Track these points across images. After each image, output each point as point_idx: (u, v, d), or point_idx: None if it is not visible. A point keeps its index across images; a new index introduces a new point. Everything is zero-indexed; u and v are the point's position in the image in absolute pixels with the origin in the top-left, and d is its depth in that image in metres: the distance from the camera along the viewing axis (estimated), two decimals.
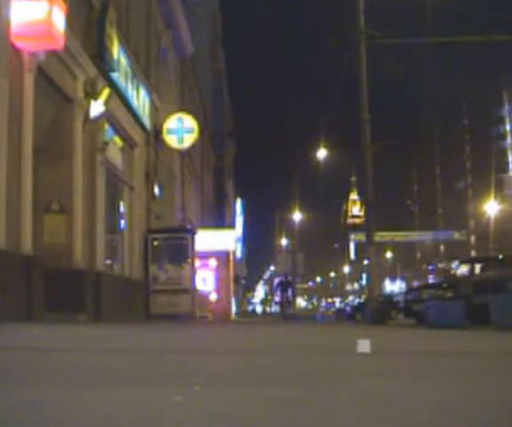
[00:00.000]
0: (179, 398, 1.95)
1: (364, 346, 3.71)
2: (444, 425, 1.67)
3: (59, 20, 7.93)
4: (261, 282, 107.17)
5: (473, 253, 65.03)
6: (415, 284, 61.78)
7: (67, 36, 8.42)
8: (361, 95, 14.56)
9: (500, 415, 1.79)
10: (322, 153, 28.67)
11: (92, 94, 10.32)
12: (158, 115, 16.55)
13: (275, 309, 50.15)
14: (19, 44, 7.75)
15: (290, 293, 22.86)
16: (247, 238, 65.06)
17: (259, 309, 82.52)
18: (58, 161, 9.76)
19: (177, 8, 18.14)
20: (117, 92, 12.03)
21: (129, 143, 14.17)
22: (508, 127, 76.05)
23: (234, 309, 34.04)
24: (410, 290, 21.47)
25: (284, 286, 22.84)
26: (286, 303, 22.94)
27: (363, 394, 2.12)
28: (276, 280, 27.03)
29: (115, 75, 11.73)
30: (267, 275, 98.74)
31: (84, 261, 10.03)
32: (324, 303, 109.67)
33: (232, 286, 32.01)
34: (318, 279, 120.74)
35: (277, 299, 26.86)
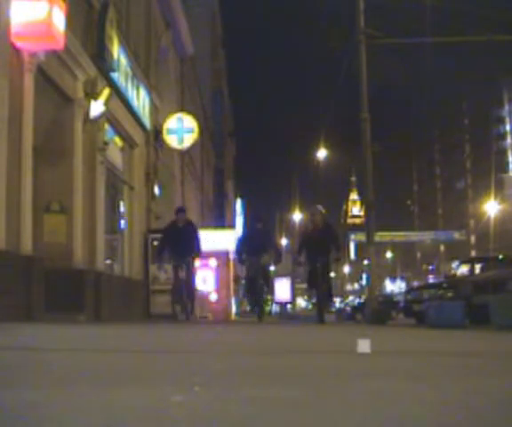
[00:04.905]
0: (178, 398, 1.95)
1: (363, 346, 3.70)
2: (444, 426, 1.67)
3: (59, 20, 7.94)
4: None
5: (473, 253, 65.08)
6: (415, 284, 61.80)
7: (67, 36, 8.42)
8: (361, 95, 14.55)
9: (501, 416, 1.79)
10: (322, 153, 28.71)
11: (92, 94, 10.33)
12: (158, 115, 16.55)
13: (274, 308, 37.39)
14: (19, 44, 7.75)
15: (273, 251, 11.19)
16: None
17: None
18: (58, 161, 9.76)
19: (177, 8, 18.15)
20: (117, 92, 12.04)
21: (129, 143, 14.18)
22: (508, 127, 76.15)
23: (234, 309, 34.08)
24: (410, 290, 21.47)
25: (257, 241, 10.60)
26: (262, 279, 10.71)
27: (363, 394, 2.12)
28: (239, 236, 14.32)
29: (115, 75, 11.74)
30: None
31: (84, 261, 10.03)
32: None
33: (232, 285, 32.05)
34: None
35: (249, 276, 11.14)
